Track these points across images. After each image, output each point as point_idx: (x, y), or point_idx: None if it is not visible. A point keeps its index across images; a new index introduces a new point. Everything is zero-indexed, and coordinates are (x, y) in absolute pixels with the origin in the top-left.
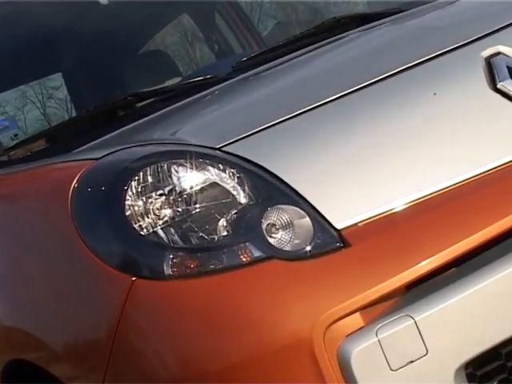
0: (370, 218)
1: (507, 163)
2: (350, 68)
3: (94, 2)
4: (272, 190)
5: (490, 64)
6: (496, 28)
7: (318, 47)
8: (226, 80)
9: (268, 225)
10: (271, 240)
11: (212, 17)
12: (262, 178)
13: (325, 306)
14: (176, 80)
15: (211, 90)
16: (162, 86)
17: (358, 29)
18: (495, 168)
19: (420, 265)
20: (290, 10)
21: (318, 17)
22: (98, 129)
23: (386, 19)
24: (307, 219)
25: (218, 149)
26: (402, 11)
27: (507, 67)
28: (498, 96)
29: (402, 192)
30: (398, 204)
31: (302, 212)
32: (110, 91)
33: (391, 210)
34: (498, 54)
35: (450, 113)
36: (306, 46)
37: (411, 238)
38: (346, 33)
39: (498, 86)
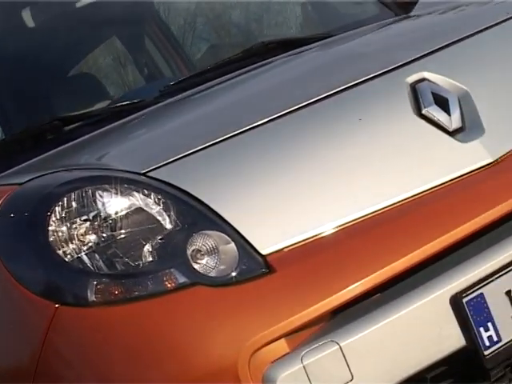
0: (296, 243)
1: (431, 189)
2: (274, 94)
3: (20, 25)
4: (197, 215)
5: (415, 90)
6: (421, 54)
7: (245, 72)
8: (153, 104)
9: (193, 251)
10: (196, 266)
11: (141, 40)
12: (188, 203)
13: (250, 332)
14: (105, 103)
15: (138, 114)
16: (89, 109)
17: (285, 54)
18: (419, 193)
19: (346, 290)
20: (223, 32)
21: (252, 40)
22: (24, 153)
23: (314, 44)
24: (232, 245)
25: (144, 174)
26: (331, 36)
27: (432, 93)
28: (423, 122)
29: (329, 217)
30: (325, 229)
31: (228, 238)
32: (38, 115)
33: (317, 235)
34: (423, 80)
35: (375, 139)
36: (234, 71)
37: (337, 263)
38: (273, 58)
39: (423, 111)
